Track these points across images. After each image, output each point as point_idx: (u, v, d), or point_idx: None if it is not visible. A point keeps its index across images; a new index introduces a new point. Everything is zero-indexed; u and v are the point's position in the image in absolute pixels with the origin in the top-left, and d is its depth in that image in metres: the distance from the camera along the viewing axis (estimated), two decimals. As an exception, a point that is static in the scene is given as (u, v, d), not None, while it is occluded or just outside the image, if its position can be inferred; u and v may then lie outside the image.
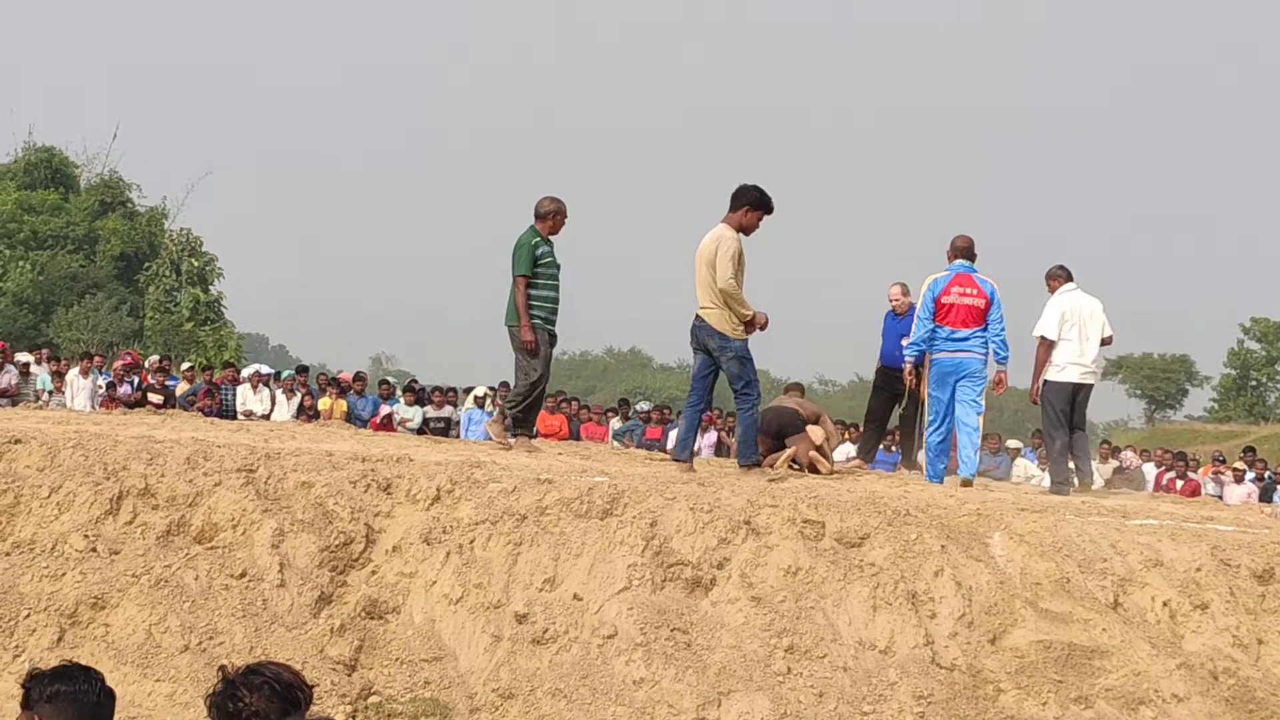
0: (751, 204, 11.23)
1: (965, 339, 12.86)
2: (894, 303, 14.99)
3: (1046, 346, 13.52)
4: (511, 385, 13.45)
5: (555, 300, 12.85)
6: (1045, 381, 13.67)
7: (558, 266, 12.87)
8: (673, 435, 22.45)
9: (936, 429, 12.91)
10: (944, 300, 12.60)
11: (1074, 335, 13.52)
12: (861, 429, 17.05)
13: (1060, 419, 13.57)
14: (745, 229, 11.27)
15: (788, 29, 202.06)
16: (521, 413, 12.73)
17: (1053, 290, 13.75)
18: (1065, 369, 13.56)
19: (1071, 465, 13.61)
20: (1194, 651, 7.78)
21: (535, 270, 12.47)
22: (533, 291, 12.50)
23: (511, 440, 12.54)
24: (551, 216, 12.73)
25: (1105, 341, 13.70)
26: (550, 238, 12.78)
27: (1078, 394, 13.62)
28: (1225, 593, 8.10)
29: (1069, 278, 13.85)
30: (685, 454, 11.40)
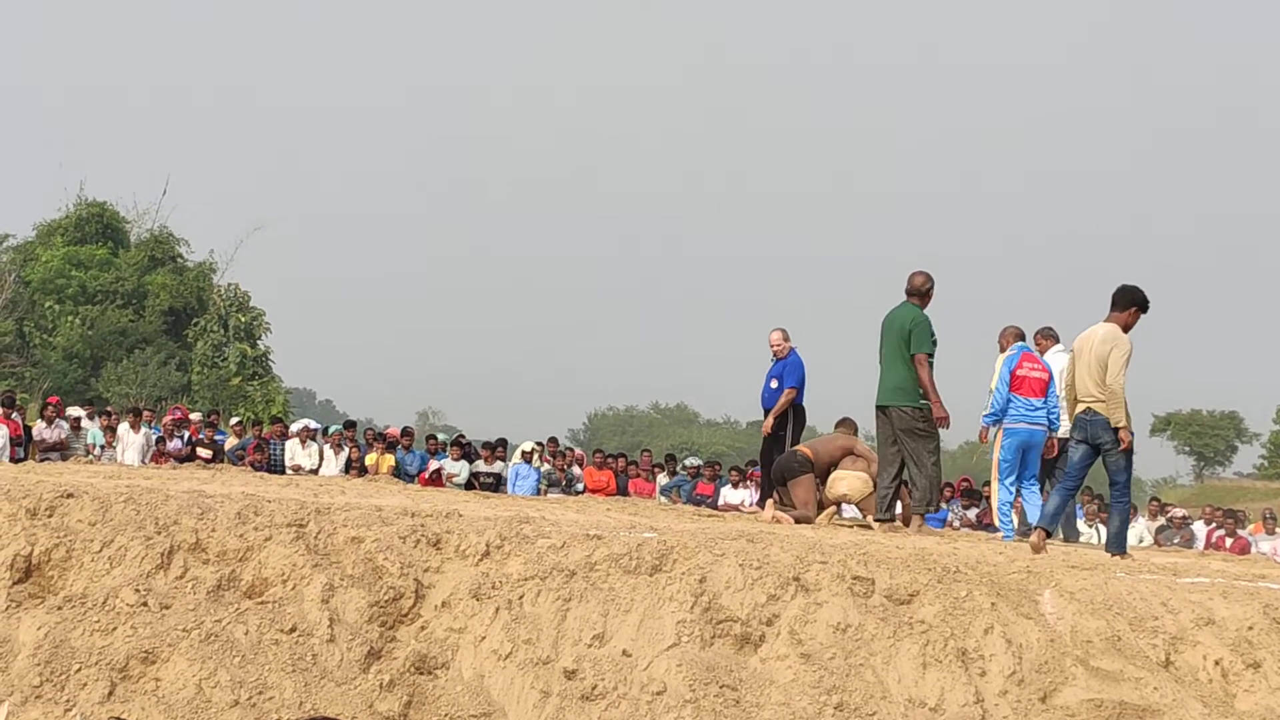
0: (1139, 305, 11.53)
1: (1037, 409, 13.88)
2: (775, 348, 15.65)
3: None
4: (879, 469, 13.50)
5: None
6: None
7: None
8: (724, 492, 22.50)
9: (1008, 490, 13.63)
10: (1018, 373, 13.63)
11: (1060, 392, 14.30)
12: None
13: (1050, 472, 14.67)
14: (1127, 328, 11.57)
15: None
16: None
17: (1042, 352, 15.30)
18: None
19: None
20: (1246, 711, 7.71)
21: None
22: (920, 371, 12.64)
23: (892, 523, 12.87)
24: (930, 292, 12.87)
25: None
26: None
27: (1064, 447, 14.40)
28: (1278, 651, 8.03)
29: (1056, 339, 15.27)
30: (1048, 524, 11.61)
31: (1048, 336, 15.47)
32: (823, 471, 14.03)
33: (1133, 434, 11.40)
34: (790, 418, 15.59)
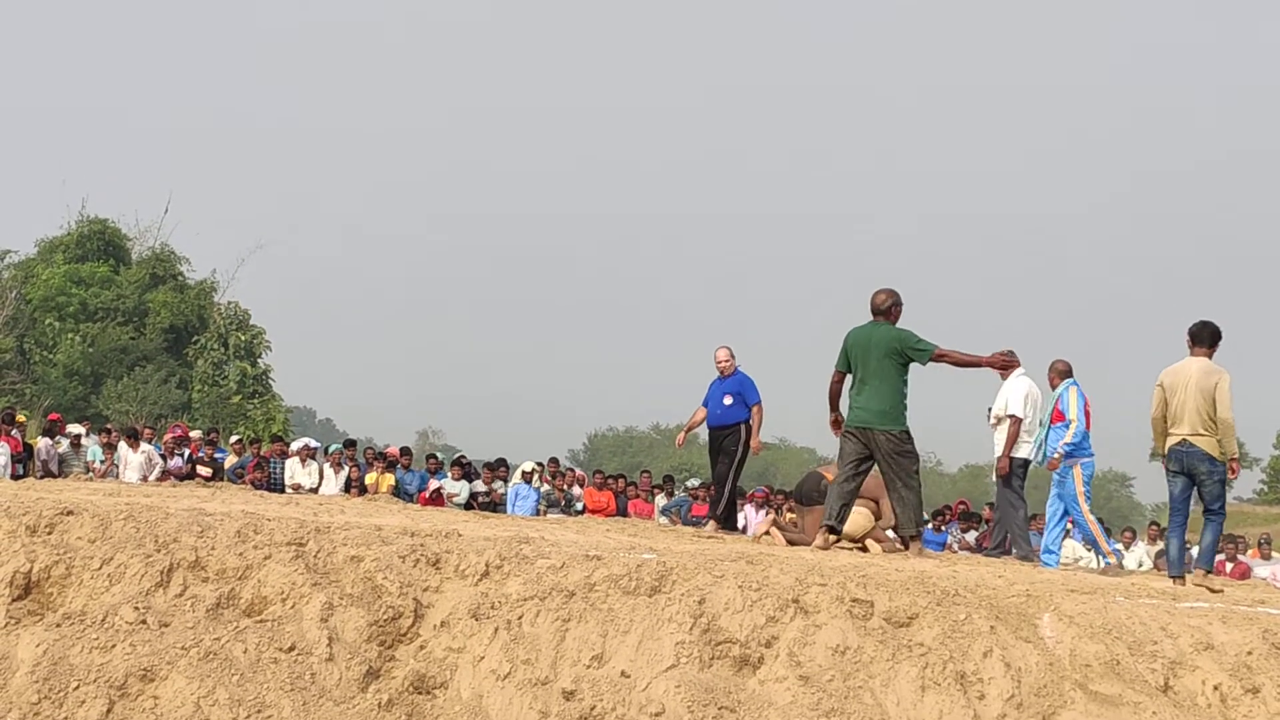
0: (1219, 340, 12.07)
1: (1089, 439, 14.20)
2: (722, 365, 15.78)
3: (1017, 424, 15.25)
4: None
5: None
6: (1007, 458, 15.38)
7: None
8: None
9: (1090, 517, 14.04)
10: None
11: (1033, 415, 15.33)
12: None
13: (1021, 493, 15.50)
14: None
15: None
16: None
17: (1006, 374, 15.58)
18: (1022, 446, 15.38)
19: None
20: (1245, 736, 7.72)
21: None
22: (906, 390, 12.60)
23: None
24: (892, 309, 12.82)
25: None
26: None
27: (1026, 469, 15.49)
28: (1277, 676, 8.02)
29: (1019, 363, 15.63)
30: (1179, 571, 12.13)
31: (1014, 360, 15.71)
32: None
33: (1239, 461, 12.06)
34: (742, 435, 15.65)
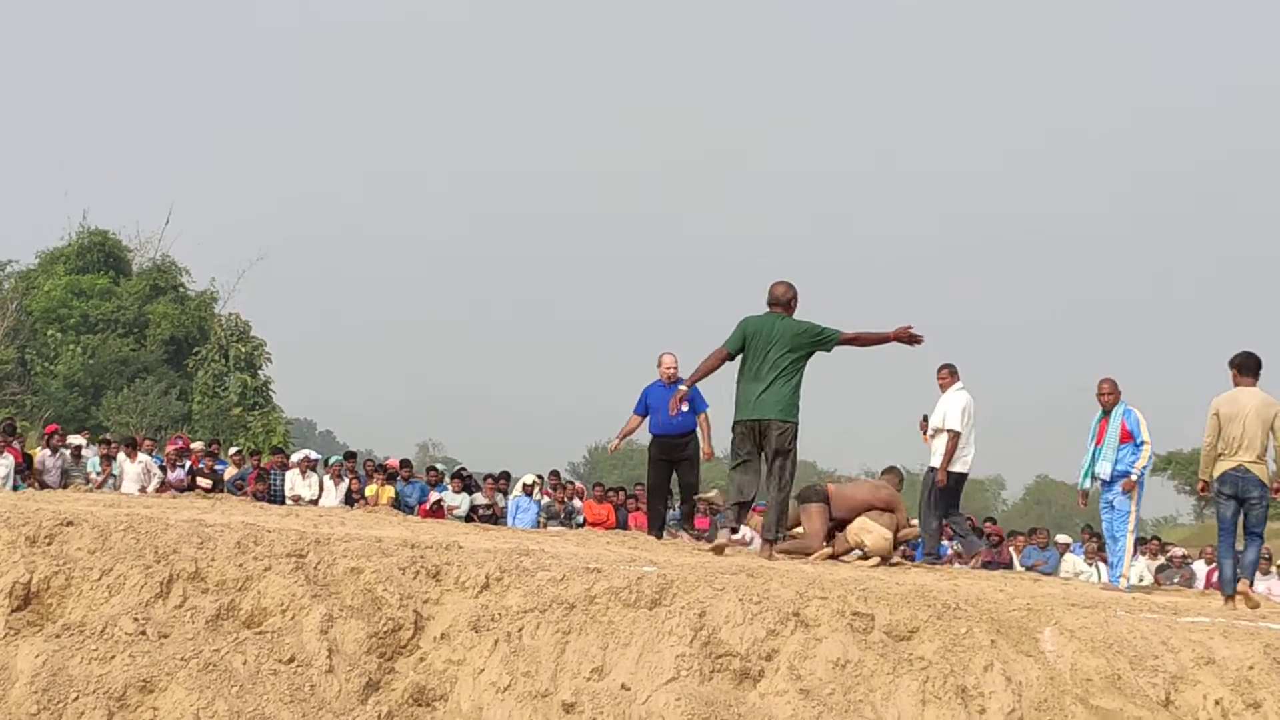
0: (1261, 370, 12.48)
1: None
2: (670, 371, 15.93)
3: (955, 438, 15.49)
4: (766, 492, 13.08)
5: None
6: (934, 469, 15.79)
7: None
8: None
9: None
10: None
11: (970, 429, 15.65)
12: (646, 503, 17.42)
13: (943, 503, 15.90)
14: None
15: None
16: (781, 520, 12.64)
17: (945, 387, 16.01)
18: (962, 459, 15.76)
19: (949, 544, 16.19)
20: (1247, 750, 7.70)
21: None
22: (801, 384, 12.45)
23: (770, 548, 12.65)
24: (790, 303, 12.61)
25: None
26: None
27: (963, 482, 15.86)
28: (1279, 691, 8.01)
29: (958, 375, 15.92)
30: (1232, 591, 12.24)
31: (954, 374, 15.75)
32: (838, 518, 13.95)
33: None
34: (698, 441, 15.73)
